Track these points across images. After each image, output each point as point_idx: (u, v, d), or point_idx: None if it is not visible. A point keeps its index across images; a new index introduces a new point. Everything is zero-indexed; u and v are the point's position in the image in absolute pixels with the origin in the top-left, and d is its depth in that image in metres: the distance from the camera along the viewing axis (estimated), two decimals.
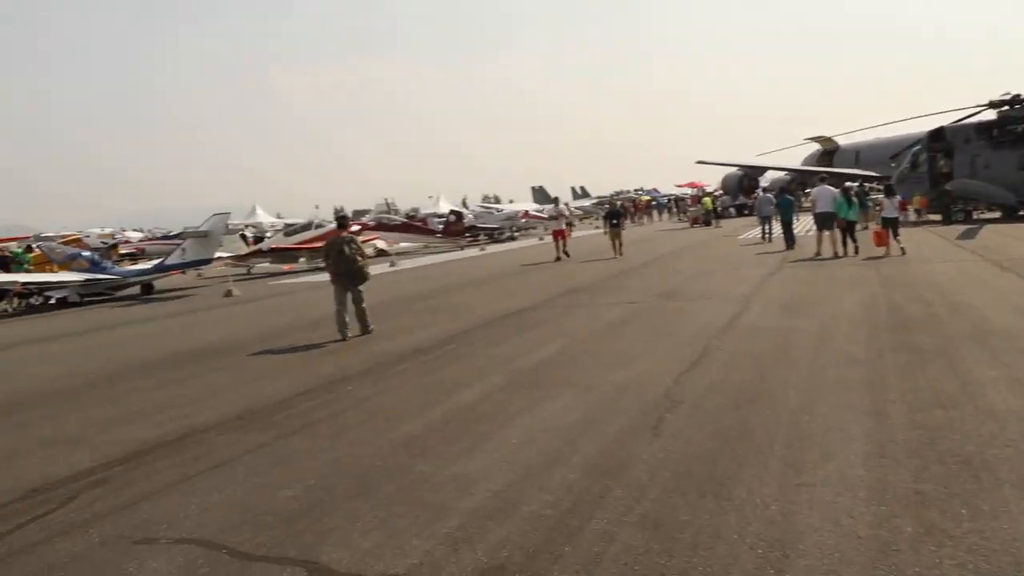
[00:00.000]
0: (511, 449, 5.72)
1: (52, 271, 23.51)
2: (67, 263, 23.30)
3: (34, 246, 30.63)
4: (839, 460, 5.02)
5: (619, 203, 29.85)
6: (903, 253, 18.24)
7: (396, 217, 45.15)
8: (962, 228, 26.72)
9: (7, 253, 27.47)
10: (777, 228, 24.92)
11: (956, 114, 33.25)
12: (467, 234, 39.37)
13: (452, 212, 42.28)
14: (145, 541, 4.44)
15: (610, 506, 4.52)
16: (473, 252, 34.56)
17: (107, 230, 60.91)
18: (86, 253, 24.54)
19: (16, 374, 11.26)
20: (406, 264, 29.36)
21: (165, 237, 45.29)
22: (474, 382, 8.07)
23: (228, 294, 20.94)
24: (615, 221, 23.75)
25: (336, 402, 7.69)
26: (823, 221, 20.07)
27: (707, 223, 42.13)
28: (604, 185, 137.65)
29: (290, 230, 34.69)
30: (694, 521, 4.25)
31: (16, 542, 4.56)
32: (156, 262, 25.06)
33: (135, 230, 65.51)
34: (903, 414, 5.96)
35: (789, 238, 22.69)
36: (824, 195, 20.49)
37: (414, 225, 40.44)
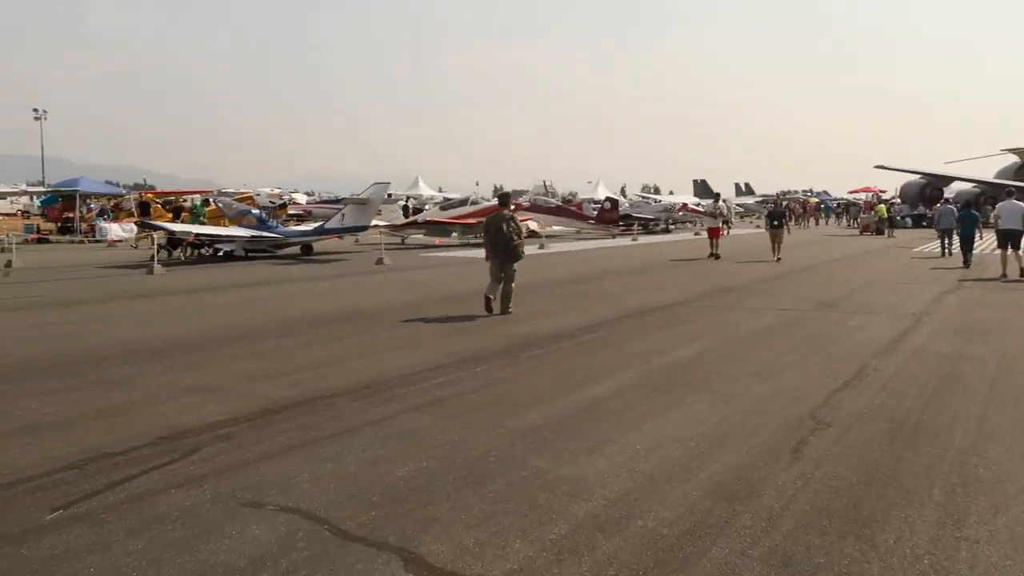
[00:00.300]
0: (634, 455, 5.36)
1: (224, 225, 24.99)
2: (237, 219, 24.70)
3: (211, 200, 32.72)
4: (1011, 515, 4.36)
5: (784, 203, 28.27)
6: None
7: (551, 200, 45.05)
8: None
9: (183, 203, 29.45)
10: (956, 244, 22.94)
11: None
12: (620, 223, 38.77)
13: (607, 199, 41.66)
14: (253, 504, 4.43)
15: (735, 534, 4.10)
16: (625, 241, 34.01)
17: (276, 190, 64.07)
18: (255, 211, 25.94)
19: (172, 321, 11.91)
20: (556, 247, 29.23)
21: (330, 201, 47.32)
22: (606, 377, 7.74)
23: (379, 262, 21.50)
24: (777, 222, 22.54)
25: (464, 381, 7.57)
26: (1008, 239, 18.42)
27: (880, 232, 39.53)
28: (770, 184, 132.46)
29: (446, 204, 35.37)
30: (830, 565, 3.76)
31: (135, 488, 4.68)
32: (317, 224, 26.16)
33: (305, 193, 68.80)
34: None
35: (967, 256, 21.00)
36: (1010, 210, 18.92)
37: (568, 209, 40.23)
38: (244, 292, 15.77)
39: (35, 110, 69.24)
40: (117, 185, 54.74)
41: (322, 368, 8.16)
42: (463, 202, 33.49)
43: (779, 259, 20.96)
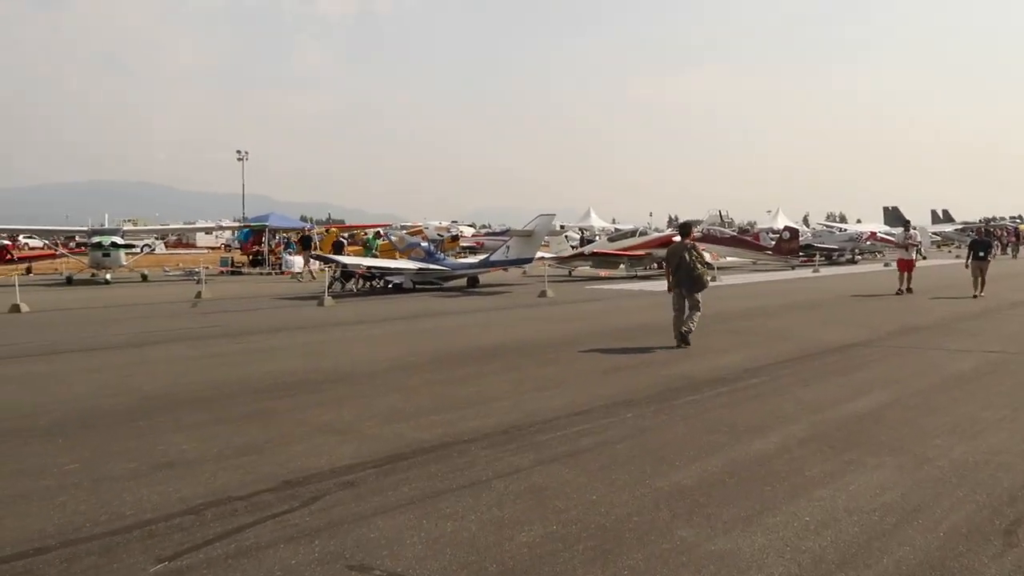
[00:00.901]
0: (801, 529, 4.55)
1: (396, 258, 25.65)
2: (407, 251, 25.28)
3: (383, 232, 33.84)
4: None
5: (990, 230, 25.34)
6: None
7: (726, 230, 43.35)
8: None
9: (356, 238, 30.41)
10: None
11: None
12: (801, 253, 36.59)
13: (786, 228, 39.45)
14: (359, 568, 4.05)
15: None
16: (805, 273, 31.98)
17: (444, 223, 65.66)
18: (424, 244, 26.46)
19: (330, 353, 12.03)
20: (729, 279, 27.86)
21: (498, 233, 47.80)
22: (771, 429, 6.87)
23: (543, 294, 21.19)
24: (982, 253, 19.99)
25: (610, 429, 6.95)
26: None
27: None
28: (972, 210, 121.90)
29: (614, 236, 34.75)
30: None
31: (246, 540, 4.42)
32: (483, 257, 26.33)
33: (468, 224, 70.08)
34: None
35: None
36: None
37: (743, 239, 38.48)
38: (403, 325, 15.87)
39: (237, 151, 75.10)
40: (306, 220, 58.12)
41: (463, 408, 7.79)
42: (631, 233, 32.75)
43: (979, 295, 18.65)
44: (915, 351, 11.45)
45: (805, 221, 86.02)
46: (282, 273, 32.89)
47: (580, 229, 65.53)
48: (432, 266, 23.78)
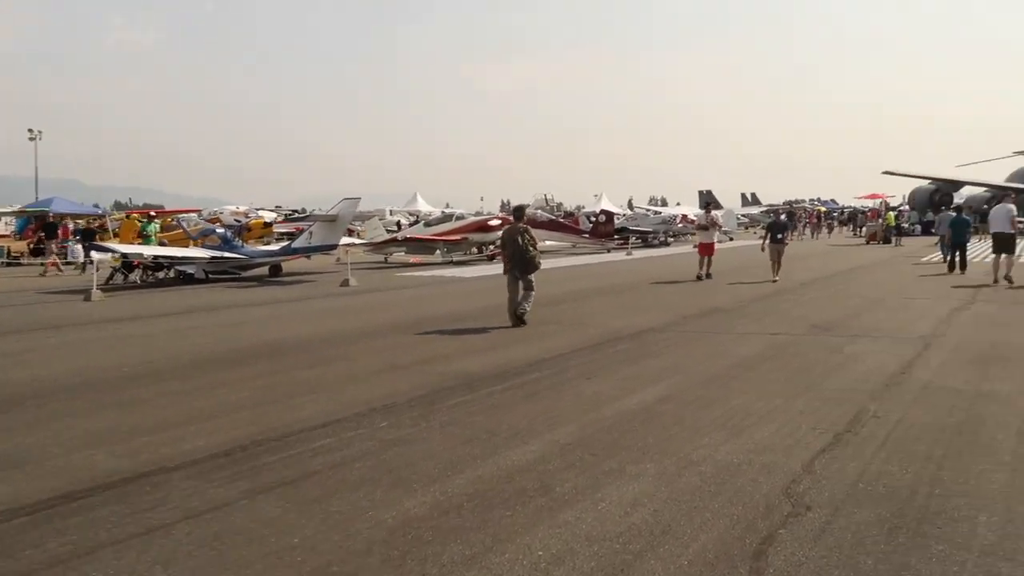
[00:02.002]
0: (529, 569, 3.83)
1: (188, 246, 23.55)
2: (200, 239, 23.27)
3: (175, 220, 31.23)
4: None
5: (784, 215, 26.40)
6: None
7: (545, 213, 43.59)
8: None
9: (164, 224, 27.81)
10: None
11: None
12: (616, 236, 37.24)
13: (602, 212, 40.07)
14: None
15: None
16: (620, 256, 32.49)
17: (241, 207, 61.66)
18: (220, 230, 24.48)
19: (65, 357, 10.43)
20: (544, 264, 27.65)
21: (297, 219, 45.27)
22: (536, 435, 6.19)
23: (345, 283, 20.00)
24: (779, 235, 20.01)
25: (355, 443, 6.04)
26: (997, 243, 18.47)
27: (887, 240, 38.02)
28: (778, 194, 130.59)
29: (430, 220, 33.91)
30: None
31: None
32: (284, 244, 24.73)
33: (270, 210, 66.14)
34: None
35: (960, 261, 21.39)
36: (999, 214, 18.99)
37: (561, 223, 38.65)
38: (177, 321, 14.21)
39: (30, 131, 67.17)
40: (96, 207, 52.89)
41: (188, 424, 6.62)
42: (447, 217, 32.03)
43: (778, 277, 18.97)
44: (706, 336, 11.30)
45: (630, 204, 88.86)
46: (69, 263, 29.61)
47: (410, 214, 64.25)
48: (227, 254, 21.96)
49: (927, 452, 5.63)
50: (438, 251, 29.00)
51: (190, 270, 21.54)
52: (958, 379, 8.03)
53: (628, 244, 36.90)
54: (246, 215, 46.83)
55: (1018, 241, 19.97)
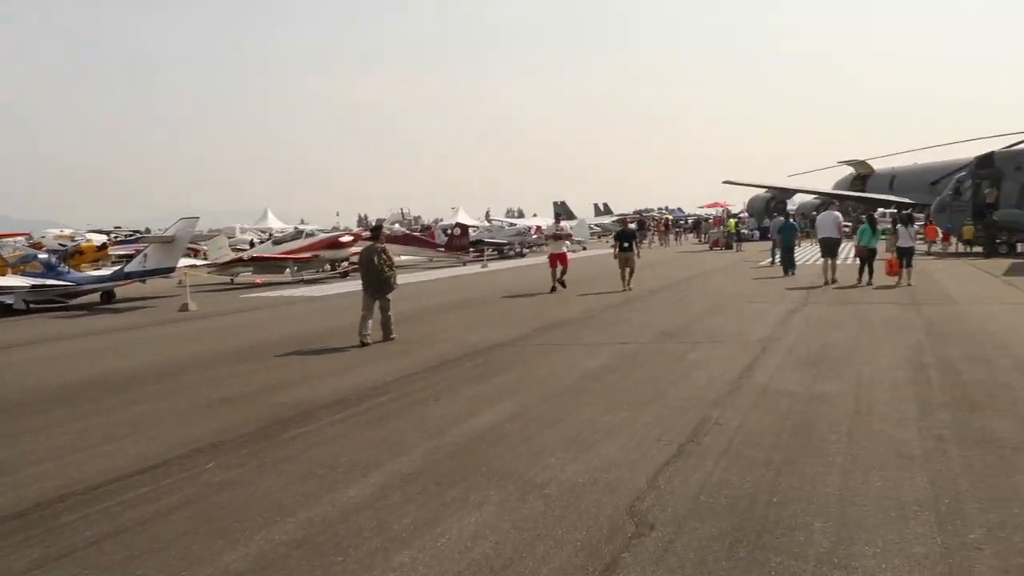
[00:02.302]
0: None
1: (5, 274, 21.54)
2: (19, 266, 21.37)
3: None
4: None
5: (633, 224, 27.29)
6: (909, 284, 17.85)
7: (400, 228, 43.09)
8: (1007, 263, 24.23)
9: None
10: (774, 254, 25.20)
11: (1010, 139, 30.83)
12: (472, 249, 37.23)
13: (457, 225, 39.97)
14: None
15: None
16: (475, 269, 32.45)
17: (66, 231, 57.57)
18: (42, 256, 22.56)
19: None
20: (399, 280, 27.18)
21: (130, 241, 42.56)
22: (377, 466, 5.86)
23: (184, 308, 18.84)
24: (627, 244, 19.89)
25: (175, 490, 5.50)
26: (827, 247, 19.74)
27: (728, 246, 39.87)
28: (628, 204, 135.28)
29: (278, 238, 32.69)
30: None
31: None
32: (115, 269, 23.09)
33: (107, 231, 62.05)
34: (992, 560, 3.74)
35: (788, 263, 22.49)
36: (827, 221, 20.28)
37: (415, 237, 38.30)
38: None
39: None
40: None
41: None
42: (297, 234, 31.00)
43: (629, 286, 19.23)
44: (556, 348, 11.27)
45: (487, 217, 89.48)
46: None
47: (261, 231, 61.88)
48: (51, 282, 20.22)
49: (766, 458, 5.71)
50: (287, 270, 27.95)
51: (8, 300, 19.67)
52: (793, 381, 8.31)
53: (484, 256, 36.96)
54: (72, 239, 43.48)
55: (842, 245, 21.40)
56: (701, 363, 9.54)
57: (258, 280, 27.23)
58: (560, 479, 5.40)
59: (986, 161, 30.44)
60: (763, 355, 9.92)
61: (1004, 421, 6.49)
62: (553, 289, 19.64)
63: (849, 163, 55.63)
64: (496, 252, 41.49)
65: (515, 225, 50.81)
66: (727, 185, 54.14)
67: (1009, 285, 17.96)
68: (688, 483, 5.22)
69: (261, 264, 28.00)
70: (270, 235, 43.53)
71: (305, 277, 28.01)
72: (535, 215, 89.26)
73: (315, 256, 28.49)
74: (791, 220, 25.58)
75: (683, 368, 9.29)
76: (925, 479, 5.16)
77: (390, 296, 12.60)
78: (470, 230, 43.15)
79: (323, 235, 31.05)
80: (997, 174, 29.70)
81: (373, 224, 13.24)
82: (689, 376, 8.80)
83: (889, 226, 21.86)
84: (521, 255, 41.61)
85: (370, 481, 5.52)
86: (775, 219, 29.35)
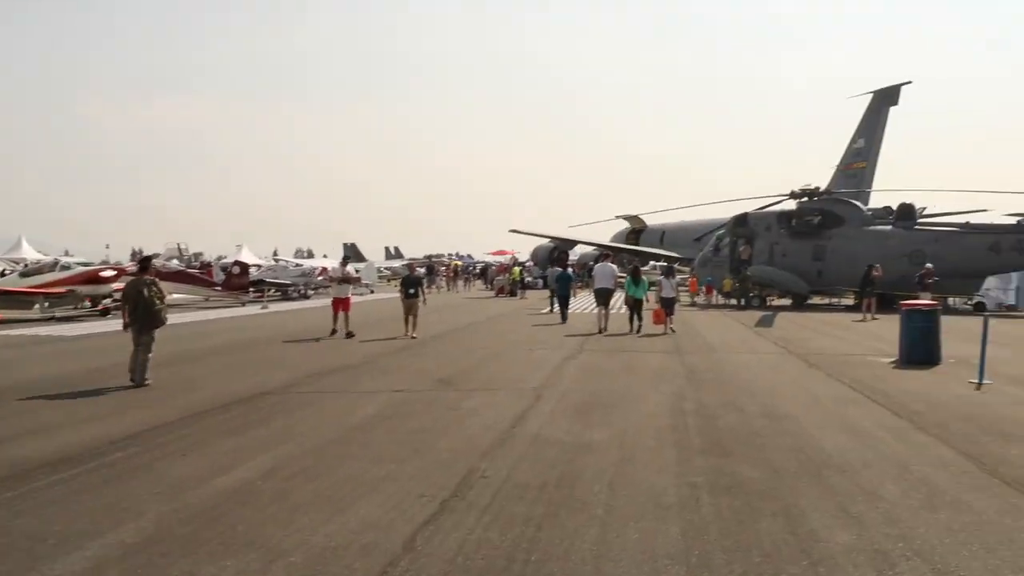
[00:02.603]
0: None
1: None
2: None
3: None
4: None
5: (423, 268, 27.28)
6: (673, 331, 19.38)
7: (173, 264, 40.33)
8: (759, 314, 26.52)
9: None
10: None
11: (761, 201, 34.03)
12: (252, 289, 35.48)
13: (236, 263, 38.01)
14: None
15: None
16: (255, 310, 30.87)
17: None
18: None
19: None
20: (169, 320, 25.21)
21: None
22: (96, 535, 5.09)
23: None
24: (412, 290, 19.42)
25: None
26: (601, 297, 20.77)
27: (513, 293, 40.81)
28: (422, 247, 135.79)
29: (28, 270, 29.45)
30: None
31: None
32: None
33: None
34: None
35: (563, 312, 23.46)
36: (603, 272, 21.46)
37: (191, 275, 35.86)
38: None
39: None
40: None
41: None
42: (51, 266, 28.00)
43: (414, 332, 18.87)
44: (328, 396, 10.72)
45: (275, 255, 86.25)
46: None
47: (13, 262, 55.60)
48: None
49: (527, 513, 5.56)
50: (37, 306, 25.11)
51: None
52: (563, 430, 8.34)
53: (265, 297, 35.34)
54: None
55: (616, 295, 22.51)
56: (475, 411, 9.40)
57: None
58: (310, 543, 4.94)
59: (741, 221, 33.46)
60: (537, 403, 9.96)
61: (751, 467, 6.81)
62: (333, 333, 18.92)
63: (625, 217, 59.15)
64: (280, 293, 39.86)
65: (301, 265, 49.24)
66: (514, 234, 55.78)
67: (759, 336, 19.56)
68: (446, 543, 4.94)
69: (5, 298, 24.96)
70: (26, 265, 39.25)
71: (58, 314, 25.31)
72: (325, 255, 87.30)
73: (70, 291, 25.83)
74: (566, 271, 26.81)
75: (456, 417, 9.10)
76: (678, 530, 5.21)
77: (155, 334, 11.87)
78: (252, 269, 41.26)
79: (82, 268, 28.24)
80: (751, 233, 32.72)
81: (141, 257, 12.30)
82: (461, 425, 8.61)
83: (659, 278, 23.28)
84: (306, 297, 40.22)
85: (85, 554, 4.77)
86: (551, 269, 30.98)
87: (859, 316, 24.65)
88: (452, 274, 58.55)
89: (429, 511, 5.60)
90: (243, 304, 33.31)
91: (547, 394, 10.61)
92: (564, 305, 24.03)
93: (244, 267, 36.10)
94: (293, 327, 22.07)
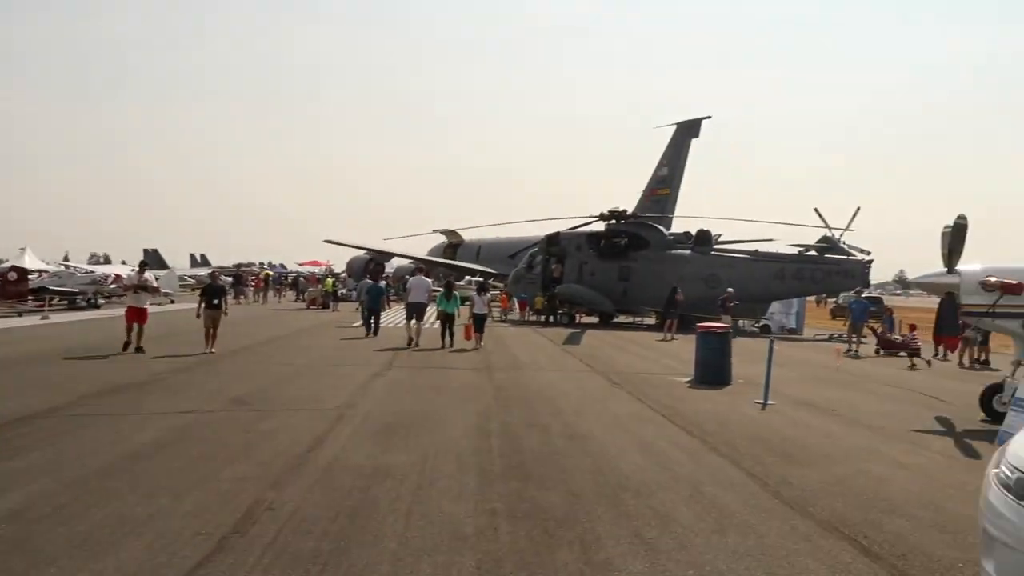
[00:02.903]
0: None
1: None
2: None
3: None
4: None
5: (230, 277, 25.68)
6: (482, 346, 20.05)
7: None
8: (567, 332, 27.23)
9: None
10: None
11: (574, 221, 35.03)
12: (32, 297, 32.21)
13: (13, 268, 34.41)
14: None
15: None
16: (34, 320, 27.97)
17: None
18: None
19: None
20: None
21: None
22: None
23: None
24: (215, 301, 18.26)
25: None
26: (414, 311, 20.75)
27: (325, 306, 39.69)
28: (229, 256, 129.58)
29: None
30: None
31: None
32: None
33: None
34: None
35: (374, 326, 23.38)
36: (418, 286, 21.71)
37: None
38: None
39: None
40: None
41: None
42: None
43: (212, 348, 17.58)
44: (102, 420, 9.65)
45: (65, 259, 79.24)
46: None
47: None
48: None
49: (315, 549, 5.17)
50: None
51: None
52: (362, 454, 7.97)
53: (47, 306, 32.16)
54: None
55: (429, 309, 22.37)
56: (270, 434, 8.81)
57: None
58: None
59: (554, 240, 34.36)
60: (338, 424, 9.52)
61: (551, 492, 6.75)
62: (126, 346, 17.27)
63: (443, 232, 59.32)
64: (68, 301, 36.47)
65: (92, 272, 45.35)
66: (328, 244, 54.34)
67: (566, 353, 20.04)
68: None
69: None
70: None
71: None
72: (124, 262, 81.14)
73: None
74: (378, 284, 26.37)
75: (248, 441, 8.47)
76: (473, 562, 5.02)
77: None
78: (34, 275, 37.49)
79: None
80: (562, 252, 33.67)
81: None
82: (253, 450, 8.01)
83: (471, 293, 23.54)
84: (96, 306, 37.04)
85: None
86: (362, 282, 30.61)
87: (660, 336, 25.89)
88: (262, 284, 56.11)
89: (204, 551, 5.07)
90: (19, 314, 30.11)
91: (349, 415, 10.18)
92: (376, 319, 23.76)
93: (22, 273, 32.73)
94: (76, 340, 20.07)
